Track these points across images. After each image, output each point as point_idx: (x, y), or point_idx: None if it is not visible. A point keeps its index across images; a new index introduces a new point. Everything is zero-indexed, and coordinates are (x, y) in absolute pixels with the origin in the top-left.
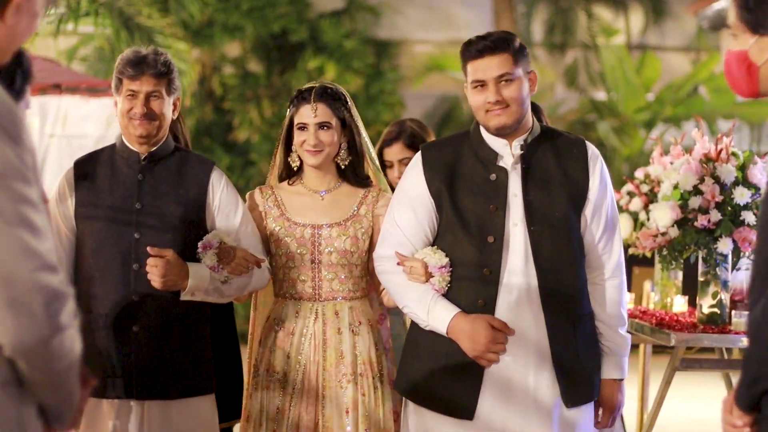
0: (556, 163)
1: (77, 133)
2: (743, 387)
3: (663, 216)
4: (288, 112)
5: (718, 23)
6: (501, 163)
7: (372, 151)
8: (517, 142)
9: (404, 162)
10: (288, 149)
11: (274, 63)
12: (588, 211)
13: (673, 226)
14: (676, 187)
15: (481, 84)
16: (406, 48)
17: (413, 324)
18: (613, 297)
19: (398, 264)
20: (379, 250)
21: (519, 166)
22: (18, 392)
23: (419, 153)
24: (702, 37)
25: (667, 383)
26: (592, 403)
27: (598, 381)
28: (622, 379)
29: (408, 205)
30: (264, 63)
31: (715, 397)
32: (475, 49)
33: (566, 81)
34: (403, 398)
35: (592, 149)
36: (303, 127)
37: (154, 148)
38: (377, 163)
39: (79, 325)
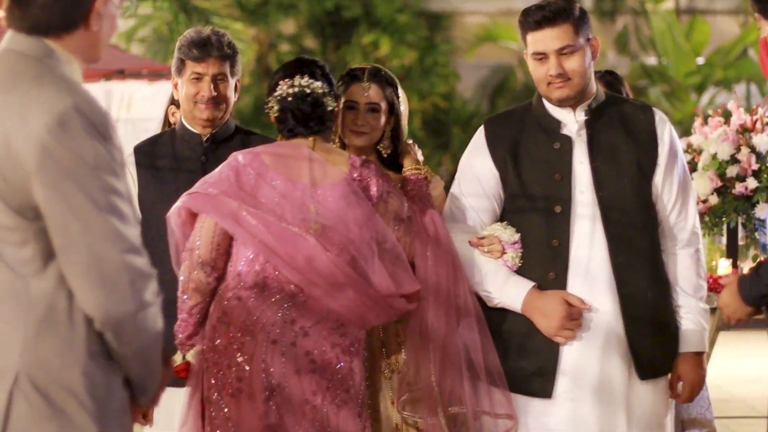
0: (623, 130)
1: (142, 116)
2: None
3: (703, 185)
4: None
5: None
6: (565, 131)
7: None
8: (581, 109)
9: None
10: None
11: (329, 39)
12: (658, 177)
13: (713, 194)
14: (714, 157)
15: (541, 56)
16: (458, 20)
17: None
18: (690, 266)
19: (472, 245)
20: (448, 226)
21: (584, 133)
22: (106, 363)
23: (482, 127)
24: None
25: (712, 343)
26: (666, 378)
27: (673, 355)
28: (702, 353)
29: (474, 180)
30: (319, 39)
31: (764, 354)
32: (533, 19)
33: (617, 48)
34: None
35: (659, 114)
36: (352, 107)
37: (216, 129)
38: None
39: (160, 304)
